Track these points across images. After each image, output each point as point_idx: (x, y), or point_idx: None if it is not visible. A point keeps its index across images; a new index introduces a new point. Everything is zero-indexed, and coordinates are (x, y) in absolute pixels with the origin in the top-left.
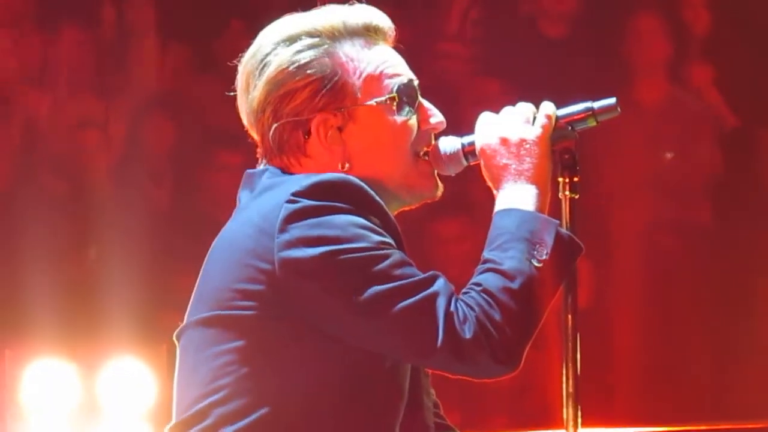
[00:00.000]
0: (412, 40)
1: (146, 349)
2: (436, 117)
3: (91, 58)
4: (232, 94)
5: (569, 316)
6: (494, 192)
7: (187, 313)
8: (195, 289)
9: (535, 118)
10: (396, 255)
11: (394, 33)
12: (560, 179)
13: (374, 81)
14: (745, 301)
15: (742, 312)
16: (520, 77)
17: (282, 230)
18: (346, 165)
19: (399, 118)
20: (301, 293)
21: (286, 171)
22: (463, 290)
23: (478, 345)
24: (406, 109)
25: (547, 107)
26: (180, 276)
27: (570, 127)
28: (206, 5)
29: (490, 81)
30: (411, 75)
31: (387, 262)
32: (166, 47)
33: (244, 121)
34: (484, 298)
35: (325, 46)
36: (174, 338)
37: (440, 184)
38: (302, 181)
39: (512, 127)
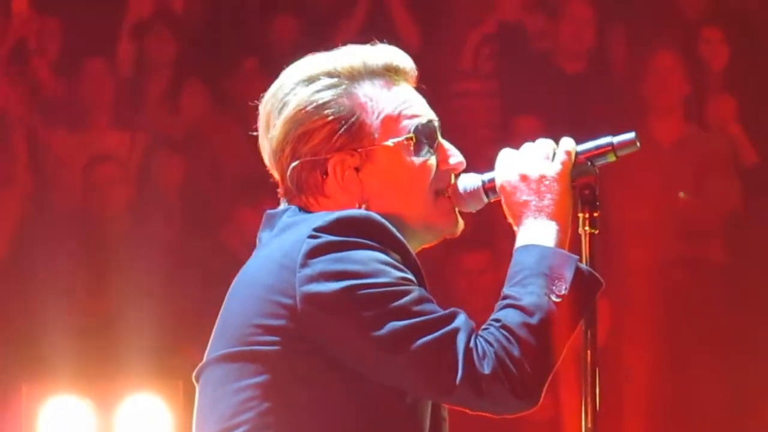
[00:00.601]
0: (428, 78)
1: (163, 386)
2: (456, 157)
3: (110, 94)
4: (255, 134)
5: (588, 352)
6: (515, 228)
7: (207, 350)
8: (215, 327)
9: (555, 154)
10: (416, 291)
11: (416, 73)
12: (580, 215)
13: (392, 121)
14: (760, 341)
15: (758, 351)
16: (540, 114)
17: (303, 264)
18: (364, 205)
19: (417, 159)
20: (322, 327)
21: (305, 210)
22: (483, 326)
23: (497, 380)
24: (425, 149)
25: (567, 143)
26: (196, 313)
27: (590, 163)
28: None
29: (509, 118)
30: (431, 115)
31: (407, 298)
32: (183, 84)
33: (266, 161)
34: (503, 334)
35: (344, 86)
36: (194, 378)
37: (460, 221)
38: (324, 217)
39: (532, 163)
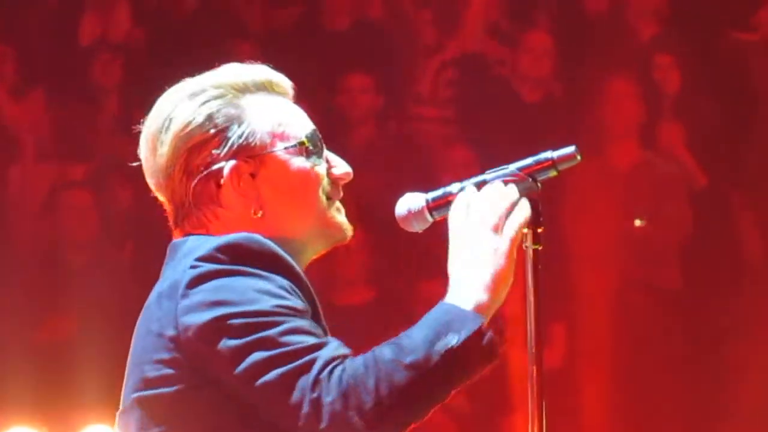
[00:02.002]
0: (387, 101)
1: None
2: (343, 168)
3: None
4: (135, 164)
5: (534, 368)
6: (449, 272)
7: (122, 393)
8: (127, 367)
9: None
10: (290, 322)
11: (294, 91)
12: (524, 230)
13: (282, 128)
14: (715, 364)
15: (712, 375)
16: (494, 139)
17: (183, 295)
18: (260, 212)
19: (308, 164)
20: (202, 358)
21: (202, 230)
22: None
23: (342, 408)
24: (314, 156)
25: (523, 210)
26: None
27: (531, 179)
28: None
29: (462, 143)
30: (314, 126)
31: (277, 329)
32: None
33: (151, 185)
34: (365, 364)
35: (230, 95)
36: (116, 425)
37: (350, 226)
38: (206, 244)
39: (484, 231)
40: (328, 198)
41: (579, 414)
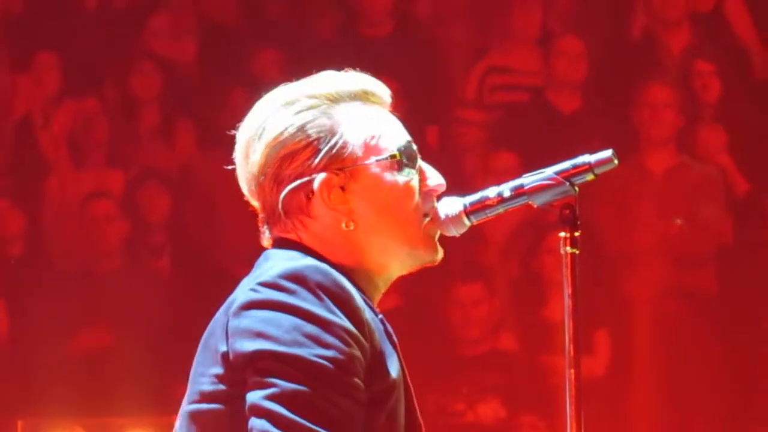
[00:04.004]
0: (428, 105)
1: (158, 422)
2: (436, 179)
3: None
4: (230, 167)
5: (572, 371)
6: None
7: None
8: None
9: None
10: (321, 383)
11: (391, 100)
12: (561, 234)
13: (375, 140)
14: (752, 370)
15: (750, 379)
16: (529, 146)
17: (235, 314)
18: (351, 225)
19: (401, 178)
20: (241, 380)
21: (293, 235)
22: None
23: None
24: (407, 169)
25: None
26: (192, 348)
27: (569, 183)
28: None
29: (499, 149)
30: (409, 137)
31: (303, 387)
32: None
33: (244, 190)
34: None
35: (324, 106)
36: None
37: (440, 249)
38: (271, 270)
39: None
40: (420, 213)
41: (621, 420)
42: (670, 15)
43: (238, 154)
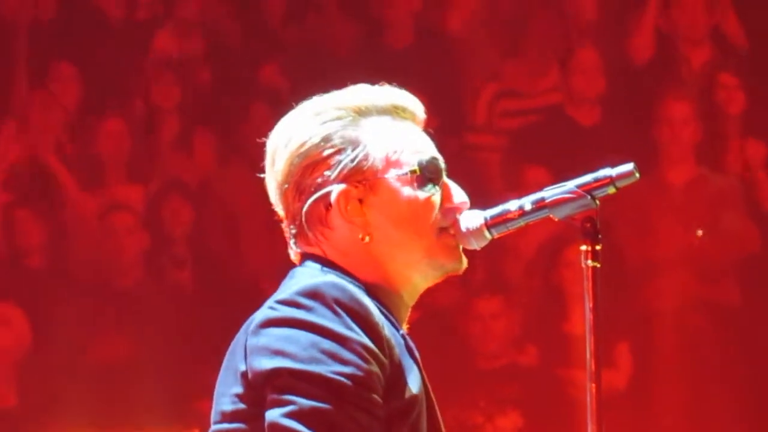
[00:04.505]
0: (439, 131)
1: None
2: (460, 197)
3: (124, 145)
4: (262, 175)
5: (593, 385)
6: None
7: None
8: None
9: None
10: (338, 399)
11: (424, 116)
12: (583, 248)
13: (397, 155)
14: None
15: None
16: (551, 162)
17: (253, 333)
18: (367, 238)
19: (421, 194)
20: (260, 399)
21: (316, 248)
22: None
23: None
24: (429, 184)
25: None
26: (212, 361)
27: (590, 196)
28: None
29: (520, 168)
30: (436, 153)
31: (321, 404)
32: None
33: (272, 199)
34: None
35: (350, 118)
36: None
37: (464, 258)
38: (290, 288)
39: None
40: (441, 228)
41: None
42: (691, 32)
43: (266, 163)
